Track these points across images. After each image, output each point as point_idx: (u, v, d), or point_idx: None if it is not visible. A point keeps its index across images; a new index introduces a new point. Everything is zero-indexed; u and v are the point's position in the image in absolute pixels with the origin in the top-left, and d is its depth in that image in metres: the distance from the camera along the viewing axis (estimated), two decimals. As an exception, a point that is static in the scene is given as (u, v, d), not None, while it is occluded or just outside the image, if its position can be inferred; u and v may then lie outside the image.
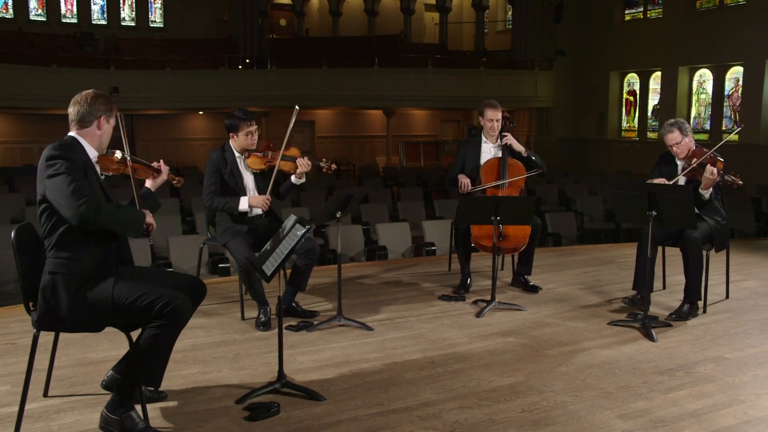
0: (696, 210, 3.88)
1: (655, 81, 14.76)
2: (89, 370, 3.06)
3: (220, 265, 5.01)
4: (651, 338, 3.55)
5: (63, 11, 17.16)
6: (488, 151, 4.54)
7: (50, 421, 2.56)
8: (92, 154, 2.54)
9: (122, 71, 14.60)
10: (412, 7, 18.60)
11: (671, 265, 4.76)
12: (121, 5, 17.81)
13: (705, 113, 13.67)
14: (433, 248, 5.80)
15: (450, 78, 15.49)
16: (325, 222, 4.96)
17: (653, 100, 14.86)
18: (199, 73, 15.07)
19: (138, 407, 2.48)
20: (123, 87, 14.00)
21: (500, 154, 4.47)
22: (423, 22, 20.10)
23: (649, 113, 14.97)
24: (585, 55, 15.88)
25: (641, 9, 14.90)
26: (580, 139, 16.25)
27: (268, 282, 2.81)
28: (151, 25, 18.14)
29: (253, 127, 3.80)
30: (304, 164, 3.82)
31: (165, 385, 2.86)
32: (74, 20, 17.25)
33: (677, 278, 4.51)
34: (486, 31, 19.27)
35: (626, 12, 15.25)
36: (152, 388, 2.74)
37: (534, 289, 4.55)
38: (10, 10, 16.63)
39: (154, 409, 2.65)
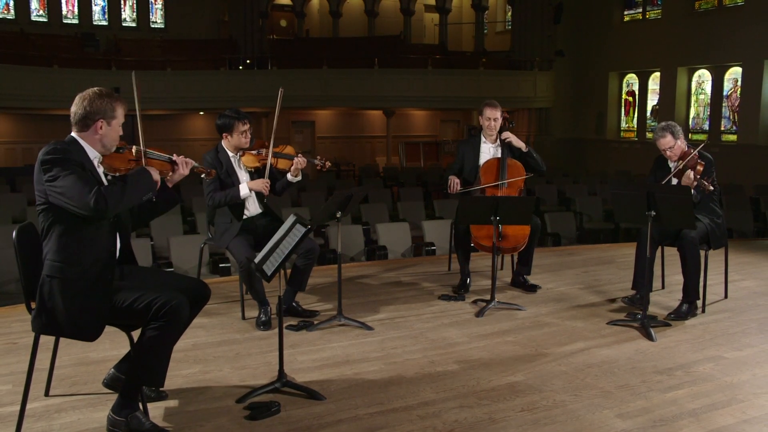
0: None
1: (654, 81, 14.78)
2: (90, 370, 3.07)
3: (220, 265, 5.02)
4: (650, 338, 3.56)
5: (64, 12, 17.18)
6: (487, 151, 4.55)
7: (51, 421, 2.57)
8: (92, 155, 2.48)
9: (123, 72, 14.61)
10: (411, 8, 18.62)
11: (670, 264, 4.77)
12: (122, 6, 17.84)
13: (704, 114, 13.69)
14: (432, 248, 5.81)
15: (450, 78, 15.51)
16: (325, 222, 4.98)
17: (652, 100, 14.88)
18: (200, 73, 15.08)
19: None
20: (124, 87, 14.01)
21: (499, 154, 4.48)
22: (423, 23, 20.13)
23: (648, 114, 14.99)
24: (584, 56, 15.90)
25: (640, 10, 14.92)
26: (579, 140, 16.27)
27: (268, 282, 2.82)
28: (152, 26, 18.17)
29: (247, 126, 3.82)
30: (300, 161, 3.87)
31: (166, 384, 2.85)
32: (75, 21, 17.28)
33: (676, 278, 4.52)
34: (485, 31, 19.29)
35: (625, 13, 15.27)
36: (153, 388, 2.76)
37: (533, 289, 4.56)
38: (12, 11, 16.66)
39: (155, 409, 2.66)
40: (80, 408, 2.68)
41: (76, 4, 17.29)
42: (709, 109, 13.50)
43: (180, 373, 3.05)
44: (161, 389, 2.80)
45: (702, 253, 3.95)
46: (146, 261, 4.72)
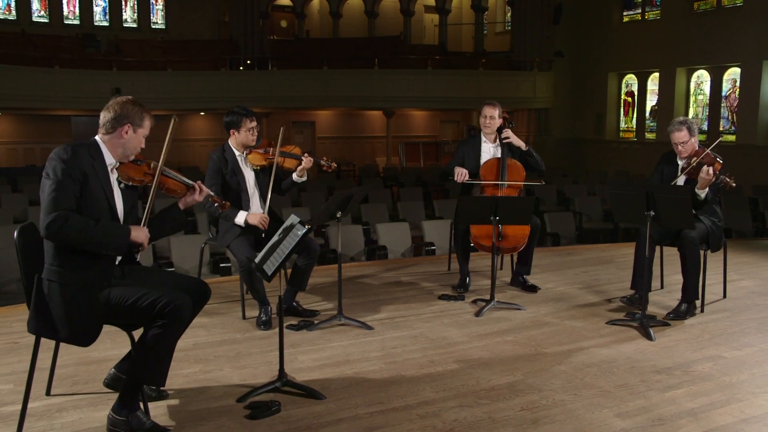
0: (693, 210, 3.91)
1: (653, 82, 14.81)
2: (91, 369, 3.07)
3: (221, 265, 5.03)
4: (649, 337, 3.57)
5: (65, 13, 17.21)
6: (488, 151, 4.56)
7: (53, 420, 2.58)
8: (109, 161, 2.49)
9: (124, 72, 14.64)
10: (411, 9, 18.65)
11: (669, 264, 4.78)
12: (123, 7, 17.87)
13: (702, 114, 13.71)
14: (432, 248, 5.82)
15: (449, 79, 15.53)
16: (325, 222, 4.99)
17: (651, 101, 14.91)
18: (201, 74, 15.11)
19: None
20: (124, 88, 14.04)
21: (499, 154, 4.49)
22: (423, 24, 20.14)
23: (647, 114, 15.02)
24: (583, 57, 15.92)
25: (639, 11, 14.94)
26: (578, 140, 16.28)
27: (269, 281, 2.83)
28: (153, 27, 18.21)
29: (254, 123, 3.82)
30: (306, 161, 3.88)
31: (167, 383, 2.87)
32: (76, 22, 17.30)
33: (675, 278, 4.53)
34: (485, 32, 19.31)
35: (624, 13, 15.30)
36: (154, 387, 2.77)
37: (533, 289, 4.58)
38: (13, 12, 16.69)
39: (156, 408, 2.67)
40: (81, 407, 2.69)
41: (77, 4, 17.32)
42: (707, 110, 13.52)
43: (181, 372, 3.06)
44: (162, 389, 2.81)
45: (701, 253, 3.96)
46: (147, 261, 4.73)
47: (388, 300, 4.34)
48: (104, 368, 2.99)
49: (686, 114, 13.90)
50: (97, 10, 17.59)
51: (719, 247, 4.08)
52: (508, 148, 4.48)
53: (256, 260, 2.83)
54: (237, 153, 3.85)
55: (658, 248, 4.37)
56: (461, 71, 15.93)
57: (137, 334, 2.54)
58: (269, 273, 2.75)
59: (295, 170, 3.91)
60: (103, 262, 2.44)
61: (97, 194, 2.42)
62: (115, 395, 2.56)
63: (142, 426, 2.43)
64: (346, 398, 2.80)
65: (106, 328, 2.51)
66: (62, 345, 2.84)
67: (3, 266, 4.18)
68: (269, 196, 3.81)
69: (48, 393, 2.79)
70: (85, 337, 2.42)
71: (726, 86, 13.12)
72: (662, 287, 4.65)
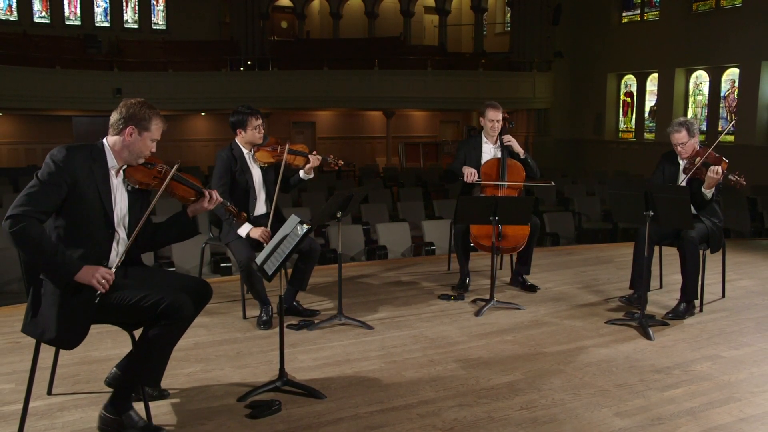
0: (694, 210, 3.92)
1: (651, 82, 14.82)
2: (92, 368, 3.08)
3: (221, 265, 5.04)
4: (648, 337, 3.58)
5: (66, 13, 17.23)
6: (489, 151, 4.58)
7: (54, 419, 2.59)
8: (111, 163, 2.46)
9: (125, 73, 14.65)
10: (411, 10, 18.66)
11: (668, 264, 4.79)
12: (124, 8, 17.88)
13: (701, 114, 13.73)
14: (432, 248, 5.83)
15: (449, 79, 15.54)
16: (325, 222, 5.00)
17: (650, 101, 14.92)
18: (201, 74, 15.12)
19: (140, 405, 2.49)
20: (125, 88, 14.06)
21: (500, 155, 4.51)
22: (422, 25, 20.16)
23: (646, 114, 15.03)
24: (582, 57, 15.93)
25: (638, 11, 14.95)
26: (577, 140, 16.30)
27: (269, 281, 2.84)
28: (154, 28, 18.22)
29: (260, 121, 3.83)
30: (314, 159, 3.91)
31: (167, 383, 2.90)
32: (78, 22, 17.32)
33: (674, 277, 4.55)
34: (485, 33, 19.32)
35: (623, 14, 15.31)
36: (155, 387, 2.78)
37: (532, 289, 4.59)
38: (15, 13, 16.71)
39: (156, 407, 2.68)
40: (83, 406, 2.70)
41: (78, 5, 17.33)
42: (706, 110, 13.54)
43: (182, 371, 3.07)
44: (162, 388, 2.82)
45: (700, 253, 3.97)
46: (148, 261, 4.74)
47: (388, 300, 4.35)
48: (105, 367, 3.00)
49: (685, 114, 13.92)
50: (98, 11, 17.61)
51: (719, 247, 4.09)
52: (507, 149, 4.50)
53: (257, 260, 2.85)
54: (245, 151, 3.87)
55: (657, 248, 4.38)
56: (461, 72, 15.94)
57: (138, 333, 2.54)
58: (270, 273, 2.76)
59: (302, 167, 3.93)
60: (92, 259, 2.40)
61: (88, 197, 2.37)
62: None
63: (135, 425, 2.42)
64: (346, 397, 2.81)
65: (107, 328, 2.52)
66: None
67: (4, 266, 4.19)
68: (276, 194, 3.83)
69: (49, 392, 2.79)
70: (70, 340, 2.36)
71: (725, 87, 13.14)
72: (661, 287, 4.66)
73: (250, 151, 3.87)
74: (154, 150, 2.54)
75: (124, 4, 17.86)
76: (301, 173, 3.96)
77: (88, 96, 13.94)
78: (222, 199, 2.71)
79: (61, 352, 2.82)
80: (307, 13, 19.51)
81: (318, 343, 3.49)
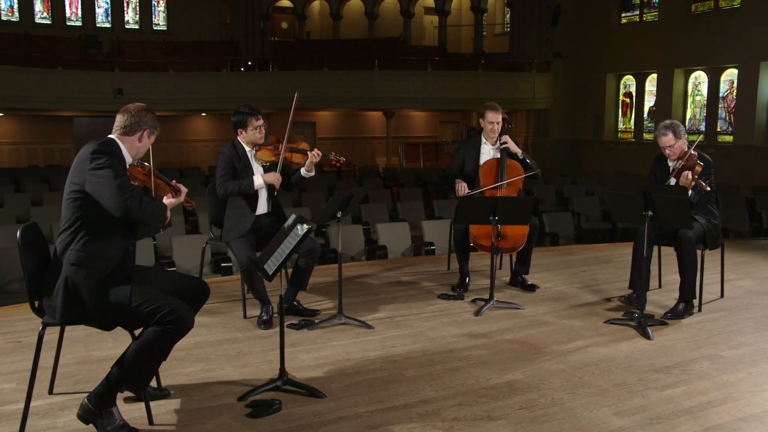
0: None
1: (650, 83, 14.83)
2: (93, 368, 3.10)
3: (222, 265, 5.05)
4: (647, 336, 3.59)
5: (68, 14, 17.24)
6: (488, 152, 4.59)
7: (55, 418, 2.60)
8: (128, 159, 2.59)
9: (126, 73, 14.66)
10: (411, 10, 18.67)
11: (667, 264, 4.80)
12: (125, 8, 17.90)
13: (700, 115, 13.75)
14: (432, 248, 5.84)
15: (449, 80, 15.55)
16: (325, 222, 5.01)
17: (649, 101, 14.93)
18: (202, 75, 15.12)
19: (138, 405, 2.50)
20: (126, 89, 14.07)
21: (499, 155, 4.52)
22: (422, 25, 20.16)
23: (645, 115, 15.04)
24: (582, 58, 15.94)
25: (637, 12, 14.96)
26: (577, 140, 16.31)
27: (269, 281, 2.85)
28: (155, 28, 18.24)
29: (261, 122, 3.85)
30: (315, 155, 3.92)
31: (168, 382, 2.91)
32: (79, 23, 17.33)
33: (673, 277, 4.55)
34: (484, 33, 19.32)
35: (622, 15, 15.32)
36: (155, 387, 2.78)
37: (532, 288, 4.60)
38: (16, 13, 16.73)
39: (157, 407, 2.69)
40: (84, 405, 2.70)
41: (79, 6, 17.35)
42: (705, 111, 13.56)
43: (182, 371, 3.08)
44: (164, 387, 2.83)
45: (698, 252, 3.98)
46: (148, 260, 4.75)
47: (388, 299, 4.36)
48: (106, 367, 2.98)
49: (684, 115, 13.93)
50: (99, 12, 17.62)
51: (717, 244, 4.11)
52: (506, 150, 4.51)
53: (258, 260, 2.85)
54: (247, 149, 3.89)
55: (655, 248, 4.39)
56: (461, 72, 15.95)
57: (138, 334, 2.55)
58: (270, 273, 2.77)
59: (303, 165, 3.94)
60: (124, 251, 2.53)
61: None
62: (118, 394, 2.57)
63: (113, 423, 2.43)
64: (346, 397, 2.82)
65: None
66: (65, 344, 2.87)
67: (5, 266, 4.20)
68: (276, 192, 3.85)
69: (50, 392, 2.81)
70: (110, 321, 2.49)
71: (723, 87, 13.15)
72: (660, 287, 4.67)
73: (252, 149, 3.89)
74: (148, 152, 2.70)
75: (125, 4, 17.87)
76: (303, 171, 3.97)
77: (89, 96, 13.95)
78: (185, 190, 2.80)
79: (62, 351, 2.83)
80: (308, 13, 19.52)
81: (318, 343, 3.50)
